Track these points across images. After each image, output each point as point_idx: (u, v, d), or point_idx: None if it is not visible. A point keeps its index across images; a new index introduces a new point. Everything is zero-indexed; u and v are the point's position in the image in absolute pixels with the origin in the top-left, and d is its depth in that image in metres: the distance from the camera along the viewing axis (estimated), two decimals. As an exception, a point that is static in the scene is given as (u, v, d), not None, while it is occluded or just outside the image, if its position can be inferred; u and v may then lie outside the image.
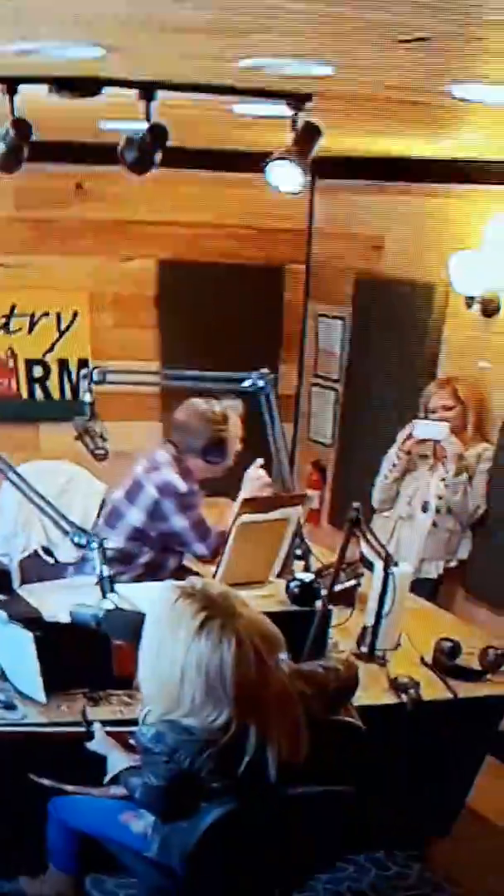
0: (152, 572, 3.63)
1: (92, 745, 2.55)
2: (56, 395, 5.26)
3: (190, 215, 5.33)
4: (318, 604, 3.17)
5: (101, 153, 3.72)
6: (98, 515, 4.06)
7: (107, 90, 2.87)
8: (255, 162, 3.24)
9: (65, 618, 2.79)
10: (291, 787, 2.21)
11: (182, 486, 3.63)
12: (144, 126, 3.13)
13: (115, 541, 3.65)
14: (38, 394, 5.25)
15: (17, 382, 5.21)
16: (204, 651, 2.10)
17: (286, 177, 3.19)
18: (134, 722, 2.54)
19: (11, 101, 2.96)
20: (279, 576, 3.65)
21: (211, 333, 5.16)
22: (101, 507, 4.15)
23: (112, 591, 2.84)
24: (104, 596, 2.81)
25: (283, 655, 2.24)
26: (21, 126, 3.55)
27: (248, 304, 5.40)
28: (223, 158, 5.05)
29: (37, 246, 5.16)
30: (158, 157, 3.54)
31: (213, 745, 2.11)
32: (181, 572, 3.68)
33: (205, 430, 3.65)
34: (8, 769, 2.59)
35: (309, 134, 3.04)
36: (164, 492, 3.62)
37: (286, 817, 2.28)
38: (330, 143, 3.21)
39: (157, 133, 3.21)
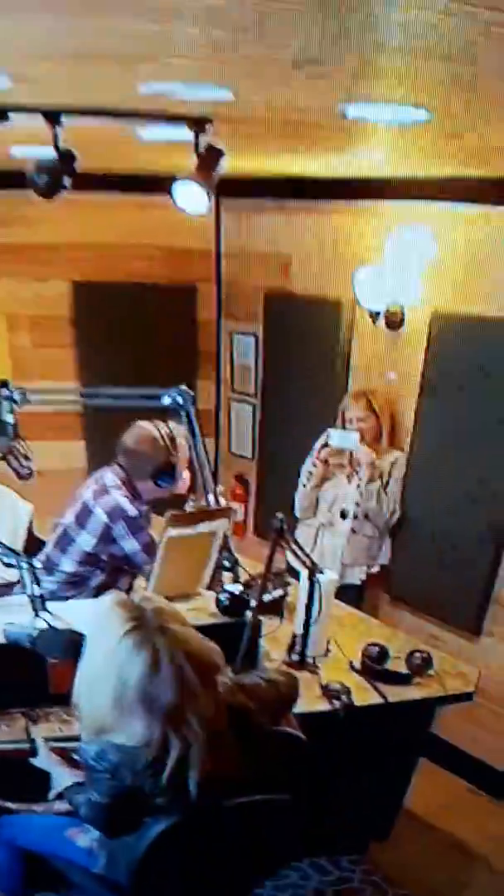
0: (104, 594, 3.60)
1: (36, 762, 2.53)
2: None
3: (101, 237, 5.30)
4: (248, 614, 3.18)
5: (13, 178, 3.71)
6: (27, 534, 4.03)
7: (15, 117, 2.88)
8: (162, 184, 3.28)
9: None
10: (232, 798, 2.20)
11: (131, 509, 3.60)
12: (53, 152, 3.15)
13: (67, 564, 3.64)
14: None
15: None
16: (123, 661, 2.09)
17: (192, 198, 3.22)
18: (74, 738, 2.53)
19: None
20: (208, 588, 3.65)
21: (128, 352, 5.14)
22: (30, 527, 4.10)
23: (44, 609, 2.81)
24: (36, 615, 2.78)
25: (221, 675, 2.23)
26: None
27: (163, 322, 5.39)
28: (132, 182, 5.05)
29: (-48, 269, 5.08)
30: (68, 181, 3.54)
31: (153, 761, 2.10)
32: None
33: (155, 455, 3.63)
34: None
35: (211, 156, 3.08)
36: (113, 515, 3.58)
37: (228, 828, 2.28)
38: (234, 165, 3.25)
39: (66, 158, 3.21)
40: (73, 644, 2.53)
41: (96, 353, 5.29)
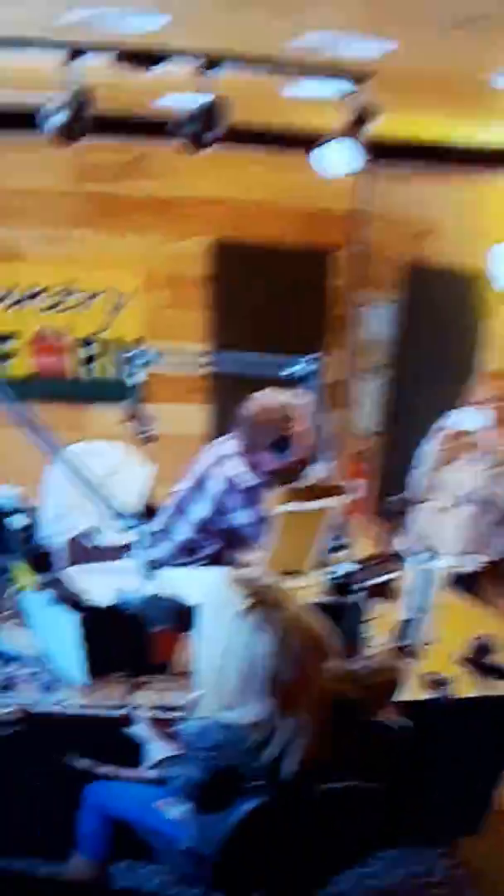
0: (216, 564, 3.59)
1: (133, 731, 2.53)
2: (106, 375, 5.21)
3: (242, 194, 5.26)
4: (355, 596, 3.12)
5: (160, 128, 3.66)
6: (147, 498, 4.03)
7: (167, 65, 2.82)
8: (307, 143, 3.18)
9: (108, 601, 2.77)
10: (325, 784, 2.20)
11: (247, 481, 3.56)
12: (203, 102, 3.06)
13: (180, 532, 3.64)
14: (89, 373, 5.20)
15: (68, 362, 5.15)
16: (244, 638, 2.09)
17: (337, 159, 3.12)
18: (172, 709, 2.58)
19: (73, 70, 2.96)
20: (317, 567, 3.56)
21: (261, 316, 5.11)
22: (151, 491, 4.11)
23: (155, 576, 2.79)
24: (147, 581, 2.77)
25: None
26: (83, 96, 3.47)
27: (296, 287, 5.34)
28: (277, 138, 4.96)
29: (93, 221, 5.12)
30: (215, 134, 3.46)
31: (253, 742, 2.10)
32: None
33: (273, 426, 3.55)
34: (45, 752, 2.57)
35: (363, 116, 2.99)
36: (229, 487, 3.55)
37: (318, 812, 2.28)
38: (384, 127, 3.15)
39: (216, 110, 3.14)
40: (180, 613, 2.57)
41: (230, 316, 5.24)
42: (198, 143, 3.91)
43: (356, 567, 3.46)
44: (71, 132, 3.72)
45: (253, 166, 5.17)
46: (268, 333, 4.37)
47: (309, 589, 3.40)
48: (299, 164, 4.66)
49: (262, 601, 2.12)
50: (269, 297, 5.21)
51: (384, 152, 4.72)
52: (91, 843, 2.64)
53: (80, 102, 3.72)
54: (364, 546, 3.70)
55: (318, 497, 3.46)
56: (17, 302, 5.17)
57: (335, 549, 3.59)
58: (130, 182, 5.13)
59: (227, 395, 4.76)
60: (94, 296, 5.19)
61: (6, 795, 2.72)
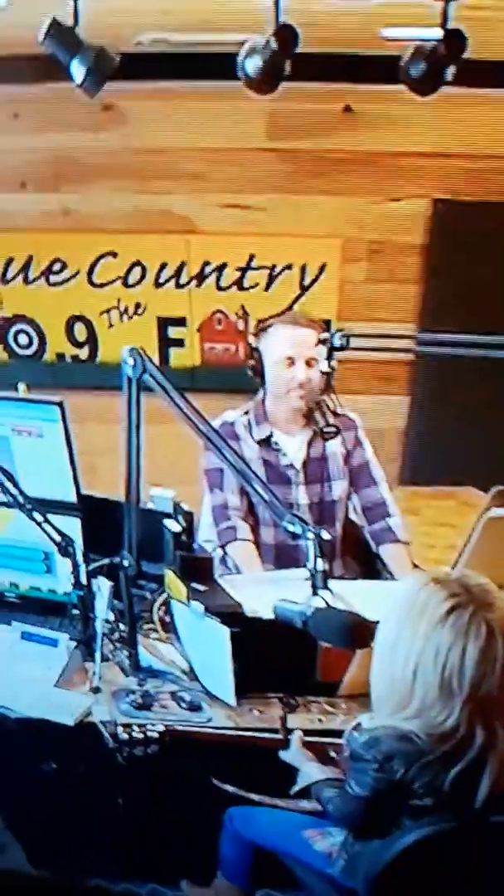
0: None
1: (286, 756, 2.84)
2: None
3: (478, 145, 5.39)
4: None
5: (379, 68, 3.88)
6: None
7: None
8: None
9: (267, 614, 3.02)
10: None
11: None
12: (438, 33, 3.30)
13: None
14: (269, 362, 5.55)
15: (245, 349, 5.50)
16: (446, 640, 2.32)
17: None
18: (333, 733, 2.87)
19: (276, 2, 3.20)
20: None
21: (486, 290, 5.29)
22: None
23: (325, 587, 2.99)
24: (315, 592, 2.97)
25: None
26: (285, 35, 3.69)
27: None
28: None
29: (287, 183, 5.41)
30: (451, 71, 3.67)
31: (445, 754, 2.33)
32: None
33: None
34: (188, 774, 2.97)
35: None
36: None
37: (490, 846, 2.44)
38: None
39: (454, 41, 3.33)
40: (352, 629, 2.80)
41: (447, 291, 5.43)
42: (426, 84, 4.09)
43: None
44: (267, 78, 3.93)
45: (494, 109, 5.32)
46: (495, 309, 4.53)
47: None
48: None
49: (469, 600, 2.35)
50: (500, 266, 5.37)
51: None
52: (232, 869, 3.02)
53: (280, 45, 3.90)
54: None
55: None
56: (190, 281, 5.61)
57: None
58: (334, 136, 5.39)
59: (432, 384, 5.01)
60: (281, 271, 5.53)
61: (146, 817, 3.13)
